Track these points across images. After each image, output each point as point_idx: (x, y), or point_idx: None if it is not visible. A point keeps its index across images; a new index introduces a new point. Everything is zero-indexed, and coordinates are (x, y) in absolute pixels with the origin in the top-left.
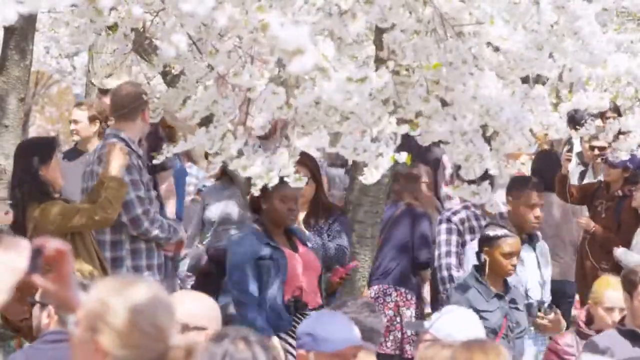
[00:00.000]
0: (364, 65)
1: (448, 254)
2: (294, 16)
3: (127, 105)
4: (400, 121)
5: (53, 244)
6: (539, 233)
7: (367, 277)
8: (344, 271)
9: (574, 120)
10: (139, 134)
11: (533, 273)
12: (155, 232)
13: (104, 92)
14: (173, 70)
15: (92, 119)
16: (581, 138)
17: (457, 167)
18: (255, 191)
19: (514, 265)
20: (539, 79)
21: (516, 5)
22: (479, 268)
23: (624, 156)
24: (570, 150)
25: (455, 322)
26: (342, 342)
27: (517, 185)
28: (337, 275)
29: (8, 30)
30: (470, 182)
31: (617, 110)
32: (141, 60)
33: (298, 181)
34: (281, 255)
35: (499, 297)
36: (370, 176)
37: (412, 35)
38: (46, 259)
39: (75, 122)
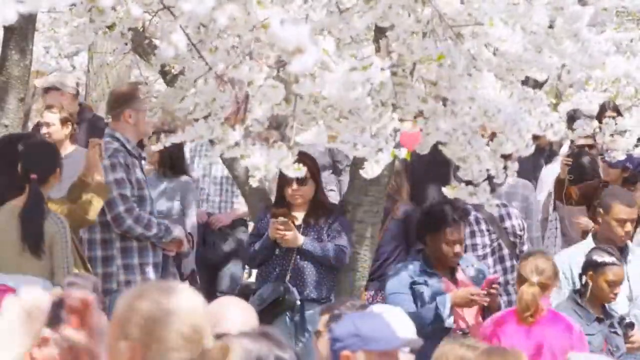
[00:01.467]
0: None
1: None
2: (294, 13)
3: (116, 105)
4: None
5: (76, 294)
6: (630, 244)
7: (366, 276)
8: (484, 286)
9: (574, 120)
10: (135, 134)
11: (622, 287)
12: (140, 230)
13: (45, 90)
14: (173, 70)
15: (63, 122)
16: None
17: (456, 168)
18: (254, 182)
19: (616, 294)
20: (535, 84)
21: (515, 7)
22: (578, 291)
23: (620, 156)
24: (569, 155)
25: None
26: (393, 340)
27: (607, 199)
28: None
29: (8, 30)
30: (468, 182)
31: (616, 110)
32: (140, 60)
33: (297, 171)
34: (437, 281)
35: (599, 320)
36: (370, 170)
37: (410, 36)
38: (70, 310)
39: (47, 124)
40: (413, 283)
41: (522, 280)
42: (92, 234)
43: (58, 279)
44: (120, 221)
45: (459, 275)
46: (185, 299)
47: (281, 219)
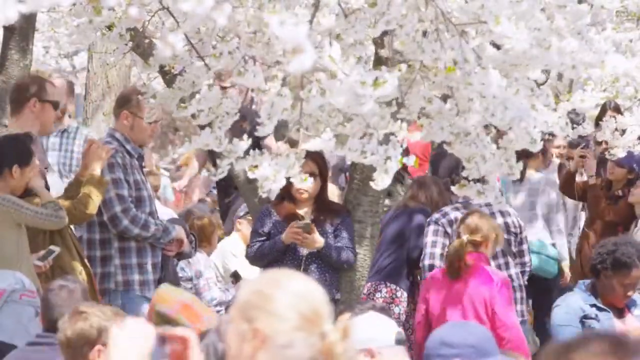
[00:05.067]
0: (367, 66)
1: (432, 255)
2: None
3: (116, 105)
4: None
5: (179, 332)
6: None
7: (365, 276)
8: None
9: (573, 120)
10: (137, 133)
11: None
12: (137, 231)
13: None
14: (173, 71)
15: None
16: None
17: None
18: (263, 194)
19: None
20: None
21: (518, 4)
22: None
23: (620, 153)
24: (584, 147)
25: (369, 326)
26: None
27: None
28: None
29: (8, 30)
30: (476, 180)
31: (617, 109)
32: (140, 60)
33: (304, 182)
34: (607, 317)
35: None
36: (381, 181)
37: (415, 34)
38: (173, 353)
39: None
40: (584, 317)
41: (458, 237)
42: (91, 234)
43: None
44: (117, 221)
45: (627, 314)
46: (304, 282)
47: (302, 222)
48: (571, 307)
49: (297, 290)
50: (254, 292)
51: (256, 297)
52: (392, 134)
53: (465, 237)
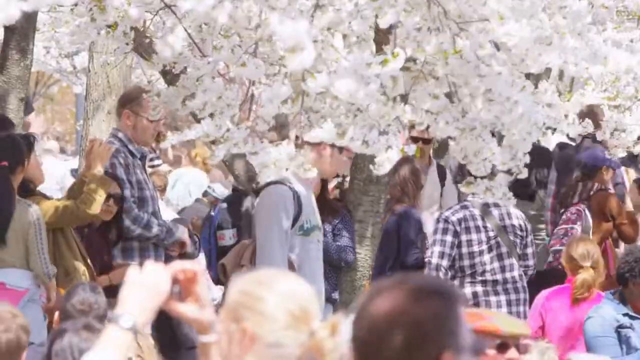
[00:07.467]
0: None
1: (441, 254)
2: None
3: (118, 104)
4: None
5: (187, 266)
6: None
7: (367, 276)
8: None
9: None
10: (140, 133)
11: None
12: (139, 231)
13: None
14: (174, 70)
15: None
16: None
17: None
18: (262, 180)
19: None
20: (538, 78)
21: (521, 2)
22: None
23: (621, 153)
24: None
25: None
26: None
27: None
28: None
29: (8, 29)
30: (483, 177)
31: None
32: (141, 60)
33: (309, 172)
34: None
35: None
36: (382, 167)
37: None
38: (182, 282)
39: None
40: (620, 327)
41: (573, 262)
42: None
43: (32, 265)
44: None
45: None
46: (293, 281)
47: None
48: (605, 319)
49: (286, 290)
50: (242, 292)
51: (245, 297)
52: (397, 118)
53: (588, 264)
